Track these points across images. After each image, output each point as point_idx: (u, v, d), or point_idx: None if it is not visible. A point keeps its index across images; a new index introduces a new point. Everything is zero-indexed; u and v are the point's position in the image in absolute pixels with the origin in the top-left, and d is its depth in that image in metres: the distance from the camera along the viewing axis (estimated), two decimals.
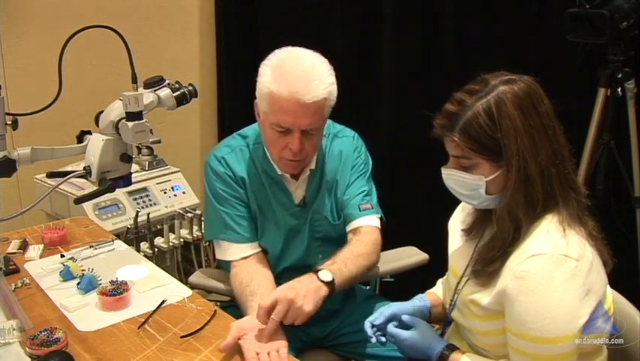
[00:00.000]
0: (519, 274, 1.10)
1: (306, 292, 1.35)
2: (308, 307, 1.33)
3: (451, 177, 1.20)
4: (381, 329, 1.36)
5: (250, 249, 1.61)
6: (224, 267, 1.68)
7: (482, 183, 1.16)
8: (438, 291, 1.49)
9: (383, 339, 1.35)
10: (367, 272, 1.58)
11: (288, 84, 1.43)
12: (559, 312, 1.07)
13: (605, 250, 1.16)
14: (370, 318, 1.37)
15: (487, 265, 1.18)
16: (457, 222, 1.40)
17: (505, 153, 1.12)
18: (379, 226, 1.65)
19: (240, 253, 1.60)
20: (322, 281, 1.40)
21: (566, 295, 1.08)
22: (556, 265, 1.08)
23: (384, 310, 1.38)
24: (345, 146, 1.70)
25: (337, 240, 1.65)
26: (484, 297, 1.18)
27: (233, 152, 1.65)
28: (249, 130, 1.70)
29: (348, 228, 1.65)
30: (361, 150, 1.72)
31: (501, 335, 1.18)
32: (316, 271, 1.42)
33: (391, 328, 1.31)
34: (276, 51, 1.52)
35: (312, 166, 1.65)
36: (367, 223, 1.62)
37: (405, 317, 1.33)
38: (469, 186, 1.18)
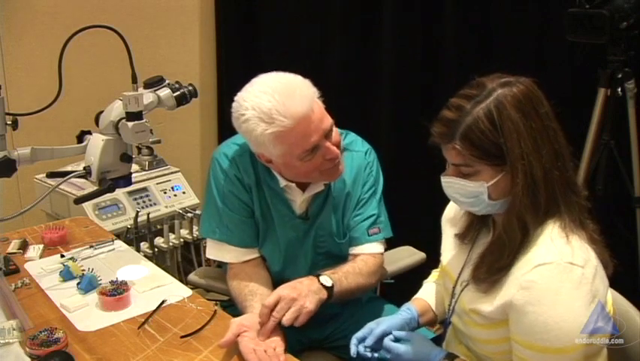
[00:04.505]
0: (525, 285, 1.07)
1: (307, 292, 1.38)
2: (310, 306, 1.36)
3: (452, 186, 1.17)
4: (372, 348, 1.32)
5: (250, 253, 1.59)
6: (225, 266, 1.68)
7: (484, 189, 1.13)
8: (424, 295, 1.47)
9: (376, 355, 1.31)
10: (363, 292, 1.60)
11: (283, 113, 1.35)
12: (567, 322, 1.05)
13: (606, 252, 1.15)
14: (359, 335, 1.33)
15: (495, 273, 1.15)
16: (448, 221, 1.39)
17: (509, 158, 1.09)
18: (383, 251, 1.64)
19: (240, 257, 1.58)
20: (322, 285, 1.43)
21: (574, 304, 1.06)
22: (562, 275, 1.06)
23: (375, 329, 1.33)
24: (357, 162, 1.63)
25: (342, 257, 1.63)
26: (487, 306, 1.16)
27: (244, 154, 1.57)
28: None
29: (353, 250, 1.62)
30: (373, 166, 1.65)
31: (503, 343, 1.16)
32: (317, 275, 1.45)
33: (388, 342, 1.28)
34: (240, 102, 1.41)
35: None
36: (372, 251, 1.61)
37: (396, 333, 1.30)
38: (471, 193, 1.15)
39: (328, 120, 1.44)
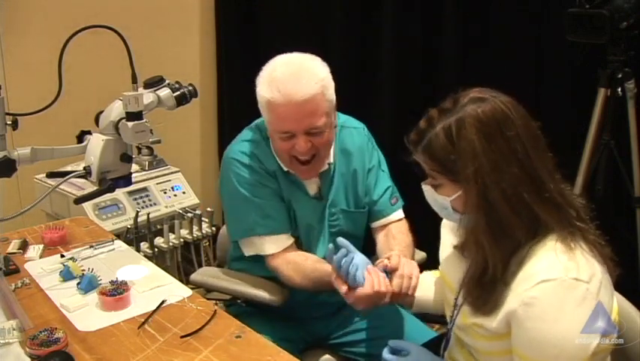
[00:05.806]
0: (528, 300, 1.05)
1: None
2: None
3: (427, 194, 1.20)
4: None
5: (291, 237, 1.61)
6: (232, 266, 1.68)
7: (447, 203, 1.15)
8: (423, 289, 1.47)
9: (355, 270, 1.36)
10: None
11: (280, 88, 1.45)
12: (570, 339, 1.04)
13: (610, 263, 1.12)
14: (339, 254, 1.36)
15: (483, 303, 1.13)
16: (447, 225, 1.38)
17: (461, 177, 1.09)
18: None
19: (285, 243, 1.60)
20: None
21: (578, 320, 1.04)
22: (567, 291, 1.04)
23: (355, 256, 1.39)
24: (356, 138, 1.71)
25: (356, 237, 1.65)
26: (490, 323, 1.14)
27: (259, 145, 1.62)
28: (261, 122, 1.64)
29: (380, 222, 1.71)
30: (373, 141, 1.75)
31: (505, 355, 1.14)
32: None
33: (387, 355, 1.26)
34: (270, 61, 1.54)
35: (331, 160, 1.64)
36: (400, 216, 1.73)
37: (393, 343, 1.27)
38: (440, 204, 1.17)
39: (319, 121, 1.48)
